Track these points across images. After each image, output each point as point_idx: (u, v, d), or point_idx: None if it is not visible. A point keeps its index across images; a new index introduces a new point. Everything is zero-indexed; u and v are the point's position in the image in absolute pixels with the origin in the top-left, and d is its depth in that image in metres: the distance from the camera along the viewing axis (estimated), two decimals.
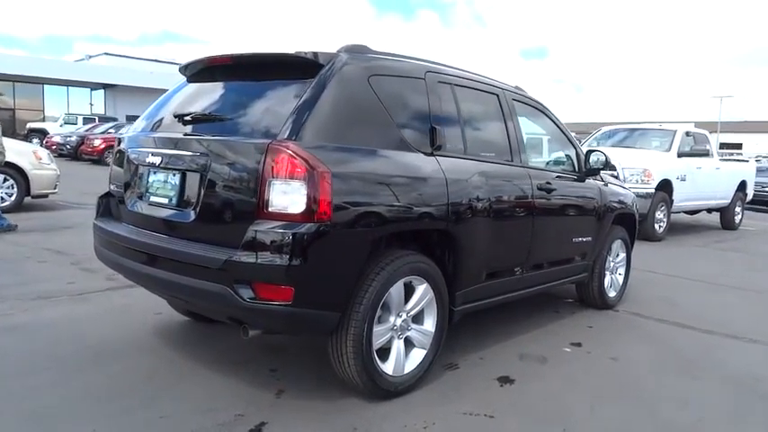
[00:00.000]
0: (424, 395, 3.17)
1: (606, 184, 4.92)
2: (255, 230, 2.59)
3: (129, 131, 3.68)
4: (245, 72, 3.18)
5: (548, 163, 4.74)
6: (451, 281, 3.31)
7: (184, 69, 3.55)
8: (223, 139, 2.84)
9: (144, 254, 2.99)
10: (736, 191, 11.79)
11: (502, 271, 3.75)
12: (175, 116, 3.19)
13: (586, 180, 4.64)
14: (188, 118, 3.10)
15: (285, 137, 2.65)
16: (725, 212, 11.92)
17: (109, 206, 3.54)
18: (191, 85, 3.46)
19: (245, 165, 2.71)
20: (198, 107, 3.19)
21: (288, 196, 2.58)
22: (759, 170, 15.20)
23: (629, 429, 2.94)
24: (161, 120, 3.40)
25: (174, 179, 3.00)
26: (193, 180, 2.89)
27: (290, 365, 3.46)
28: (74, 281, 5.19)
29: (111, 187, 3.52)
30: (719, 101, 52.84)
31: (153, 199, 3.12)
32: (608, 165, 4.60)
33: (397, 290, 2.99)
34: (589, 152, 4.63)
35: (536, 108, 4.39)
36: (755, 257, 8.86)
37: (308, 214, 2.57)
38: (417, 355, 3.19)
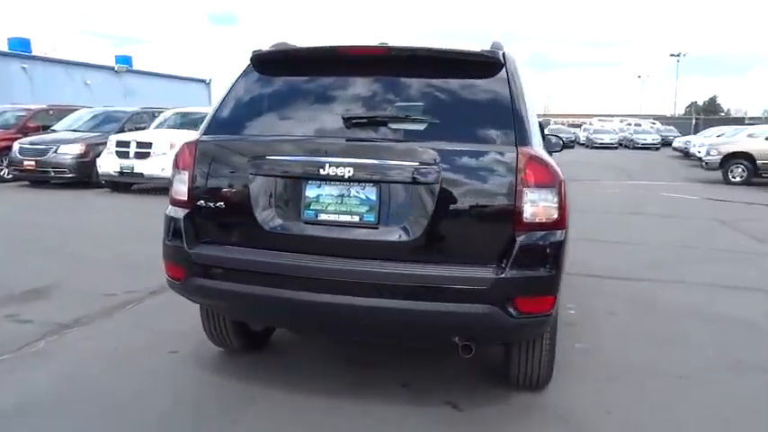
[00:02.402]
0: (566, 383, 3.31)
1: None
2: (523, 243, 2.48)
3: (204, 135, 2.90)
4: (400, 67, 2.85)
5: None
6: None
7: (270, 55, 2.98)
8: (454, 146, 2.57)
9: (338, 282, 2.54)
10: None
11: None
12: (348, 118, 2.68)
13: None
14: (363, 120, 2.68)
15: (523, 143, 2.56)
16: None
17: (211, 228, 2.80)
18: (305, 78, 2.93)
19: (492, 174, 2.53)
20: (355, 106, 2.76)
21: (542, 205, 2.53)
22: None
23: (697, 363, 3.64)
24: (285, 121, 2.84)
25: (367, 192, 2.58)
26: (409, 193, 2.56)
27: (413, 378, 3.30)
28: None
29: (206, 204, 2.77)
30: None
31: (324, 217, 2.62)
32: (565, 146, 5.26)
33: None
34: None
35: None
36: None
37: (559, 221, 2.57)
38: None
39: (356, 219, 2.60)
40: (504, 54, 2.85)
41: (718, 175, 16.85)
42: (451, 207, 2.54)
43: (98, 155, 12.01)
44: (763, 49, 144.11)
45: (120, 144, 11.52)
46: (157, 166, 11.15)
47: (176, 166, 2.93)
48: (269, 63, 3.02)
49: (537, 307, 2.54)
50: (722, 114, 64.19)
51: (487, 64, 2.78)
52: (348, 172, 2.56)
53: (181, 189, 2.86)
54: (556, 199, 2.55)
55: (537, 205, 2.52)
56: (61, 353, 3.56)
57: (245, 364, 3.43)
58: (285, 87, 2.96)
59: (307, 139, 2.77)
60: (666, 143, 35.17)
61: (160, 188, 11.76)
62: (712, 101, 75.17)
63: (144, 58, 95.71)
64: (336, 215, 2.62)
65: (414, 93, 2.83)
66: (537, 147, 2.67)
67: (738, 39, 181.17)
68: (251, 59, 3.02)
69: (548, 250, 2.53)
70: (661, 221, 9.53)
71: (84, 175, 12.19)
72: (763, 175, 16.09)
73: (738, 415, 3.00)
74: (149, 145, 11.31)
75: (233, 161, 2.79)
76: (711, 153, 17.28)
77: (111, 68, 33.15)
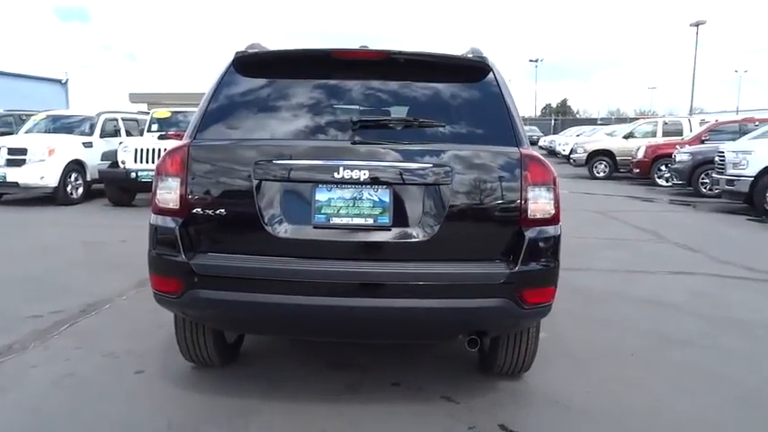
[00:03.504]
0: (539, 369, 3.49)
1: None
2: (531, 238, 2.63)
3: (196, 140, 2.74)
4: (394, 71, 2.88)
5: None
6: None
7: (256, 57, 2.91)
8: (462, 148, 2.66)
9: (356, 285, 2.56)
10: None
11: None
12: (356, 122, 2.68)
13: None
14: (371, 123, 2.70)
15: (520, 143, 2.73)
16: None
17: (211, 237, 2.67)
18: (295, 81, 2.88)
19: (499, 173, 2.66)
20: (353, 109, 2.76)
21: (543, 202, 2.70)
22: None
23: (638, 341, 4.05)
24: (284, 124, 2.78)
25: (380, 194, 2.60)
26: (422, 193, 2.62)
27: (401, 377, 3.36)
28: None
29: (204, 212, 2.63)
30: None
31: (335, 220, 2.60)
32: None
33: None
34: None
35: None
36: None
37: (556, 217, 2.76)
38: None
39: (370, 221, 2.62)
40: (489, 61, 3.00)
41: (585, 170, 18.53)
42: (463, 206, 2.65)
43: None
44: (603, 57, 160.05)
45: None
46: (35, 174, 10.17)
47: (159, 173, 2.75)
48: (254, 65, 2.94)
49: (542, 297, 2.72)
50: (578, 115, 70.30)
51: (478, 68, 2.93)
52: (363, 175, 2.57)
53: (169, 197, 2.69)
54: (552, 195, 2.74)
55: (538, 202, 2.69)
56: (9, 383, 3.19)
57: (226, 377, 3.29)
58: (278, 90, 2.89)
59: (316, 142, 2.73)
60: (531, 142, 37.64)
61: (38, 198, 10.75)
62: (563, 103, 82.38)
63: None
64: (349, 218, 2.62)
65: (411, 97, 2.92)
66: (529, 146, 2.85)
67: (581, 47, 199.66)
68: (233, 61, 2.92)
69: (549, 244, 2.72)
70: None
71: None
72: (622, 170, 17.94)
73: (689, 379, 3.40)
74: (24, 151, 10.24)
75: (233, 166, 2.67)
76: (578, 151, 18.97)
77: None
